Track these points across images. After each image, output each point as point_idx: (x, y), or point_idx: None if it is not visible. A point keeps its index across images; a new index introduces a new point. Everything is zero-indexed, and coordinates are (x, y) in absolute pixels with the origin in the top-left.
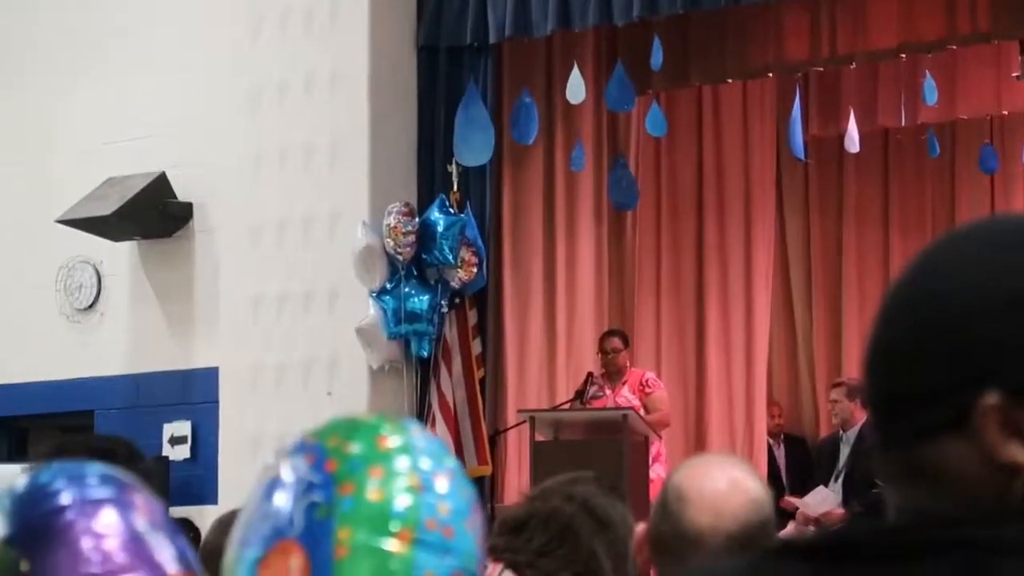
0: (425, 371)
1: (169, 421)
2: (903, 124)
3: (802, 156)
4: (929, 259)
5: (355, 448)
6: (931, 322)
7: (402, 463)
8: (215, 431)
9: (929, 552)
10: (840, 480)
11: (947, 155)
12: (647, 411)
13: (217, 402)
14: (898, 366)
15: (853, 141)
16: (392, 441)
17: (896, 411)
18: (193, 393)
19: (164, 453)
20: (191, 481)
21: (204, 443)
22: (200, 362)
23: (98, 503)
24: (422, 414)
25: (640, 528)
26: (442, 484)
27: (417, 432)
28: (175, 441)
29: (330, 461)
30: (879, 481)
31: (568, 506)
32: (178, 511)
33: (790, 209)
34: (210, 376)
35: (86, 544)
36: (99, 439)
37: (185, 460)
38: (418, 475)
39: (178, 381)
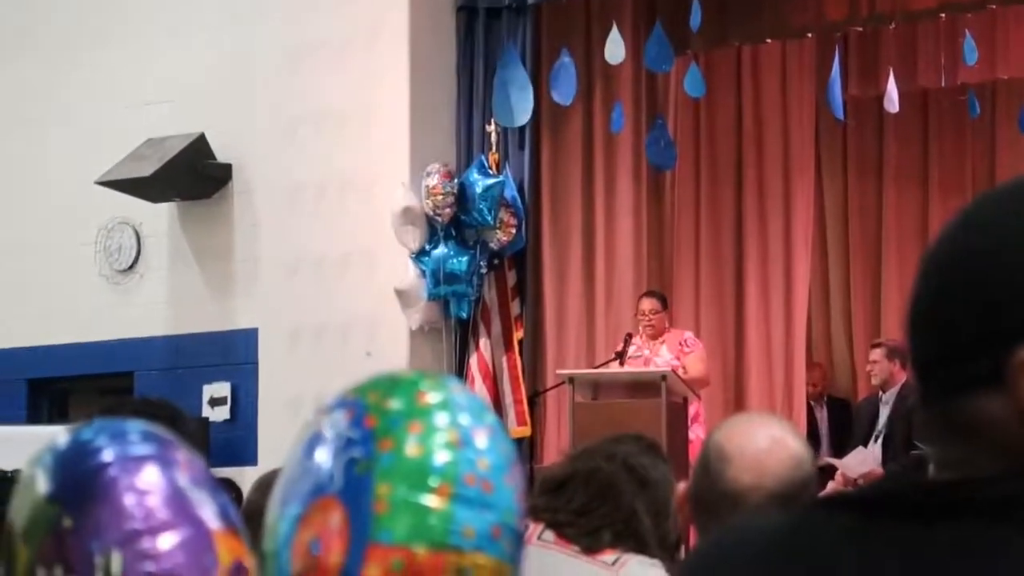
0: (464, 332)
1: (209, 382)
2: (943, 84)
3: (841, 117)
4: (966, 218)
5: (394, 404)
6: (967, 279)
7: (441, 419)
8: (254, 392)
9: (968, 509)
10: (879, 441)
11: (987, 115)
12: (686, 371)
13: (256, 363)
14: (936, 324)
15: (892, 102)
16: (431, 397)
17: (935, 369)
18: (233, 354)
19: (204, 414)
20: (231, 442)
21: (244, 404)
22: (239, 323)
23: (140, 460)
24: (461, 375)
25: (681, 487)
26: (481, 439)
27: (457, 388)
28: (215, 402)
29: (369, 417)
30: (919, 440)
31: (609, 465)
32: (218, 473)
33: (828, 170)
34: (249, 337)
35: (128, 500)
36: (142, 401)
37: (225, 421)
38: (457, 430)
39: (218, 342)
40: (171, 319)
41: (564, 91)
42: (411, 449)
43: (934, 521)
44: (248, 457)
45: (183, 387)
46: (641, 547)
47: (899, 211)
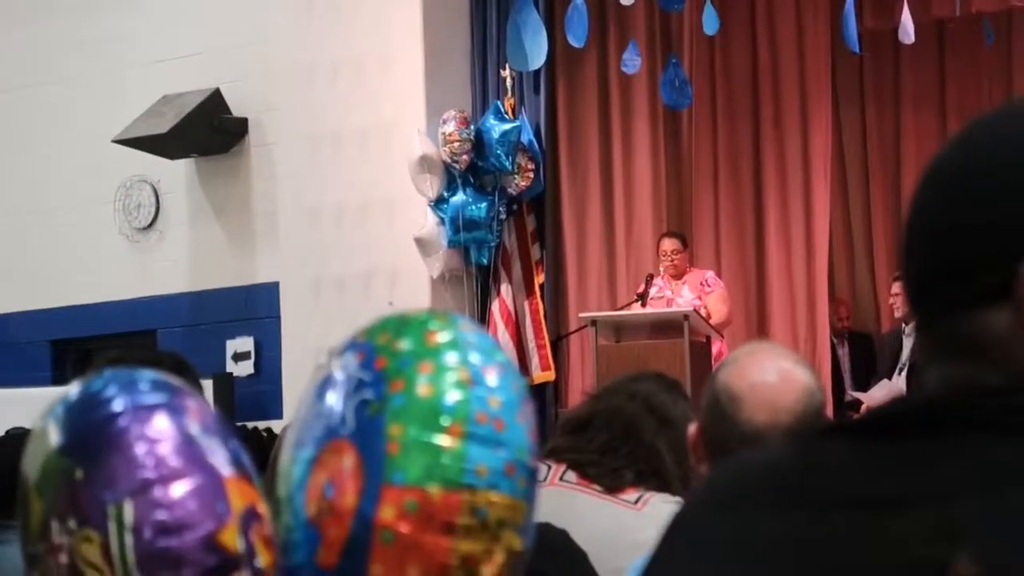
0: (485, 279)
1: (232, 337)
2: (957, 14)
3: (857, 49)
4: (967, 137)
5: (404, 344)
6: (972, 195)
7: (451, 358)
8: (278, 346)
9: (974, 422)
10: (903, 373)
11: (1003, 43)
12: (707, 311)
13: (279, 317)
14: (940, 240)
15: (907, 32)
16: (441, 336)
17: (938, 286)
18: (255, 308)
19: (228, 370)
20: (256, 396)
21: (267, 358)
22: (261, 277)
23: (151, 409)
24: (483, 321)
25: (692, 428)
26: (492, 377)
27: (467, 327)
28: (238, 357)
29: (380, 358)
30: (920, 361)
31: (630, 404)
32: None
33: (845, 103)
34: (271, 291)
35: (140, 450)
36: (147, 352)
37: (249, 376)
38: (468, 369)
39: (239, 297)
40: (192, 275)
41: (578, 33)
42: (422, 389)
43: (939, 436)
44: (274, 411)
45: (206, 343)
46: (663, 485)
47: (918, 140)
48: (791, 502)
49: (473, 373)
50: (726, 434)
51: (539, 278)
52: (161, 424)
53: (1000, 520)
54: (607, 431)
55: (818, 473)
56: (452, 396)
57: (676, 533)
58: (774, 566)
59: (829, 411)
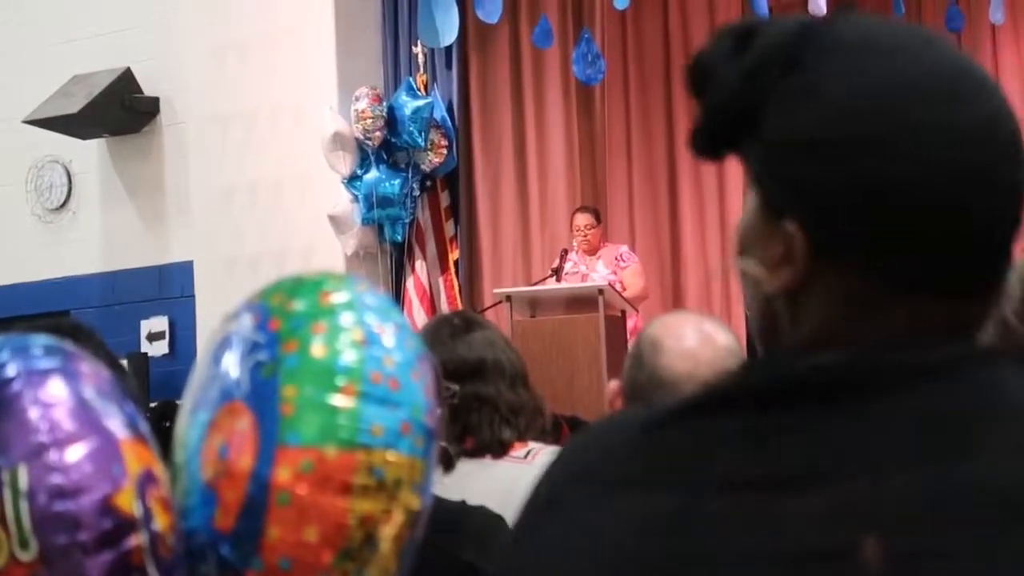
0: (400, 255)
1: (146, 317)
2: None
3: None
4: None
5: (298, 305)
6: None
7: (346, 318)
8: (192, 325)
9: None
10: None
11: (913, 14)
12: (623, 286)
13: (193, 296)
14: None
15: (819, 5)
16: (336, 297)
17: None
18: (169, 288)
19: (143, 350)
20: (171, 376)
21: (182, 337)
22: (175, 256)
23: (44, 373)
24: (398, 298)
25: (613, 384)
26: (388, 337)
27: (363, 287)
28: (153, 337)
29: (274, 320)
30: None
31: (458, 387)
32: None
33: None
34: (185, 270)
35: (34, 414)
36: (44, 321)
37: (164, 356)
38: (363, 329)
39: (153, 277)
40: (105, 255)
41: (489, 9)
42: (316, 350)
43: (822, 406)
44: None
45: (120, 323)
46: (541, 434)
47: None
48: (663, 481)
49: (368, 333)
50: (645, 382)
51: (453, 254)
52: (55, 388)
53: (904, 499)
54: (457, 417)
55: (690, 450)
56: (347, 356)
57: (537, 510)
58: (643, 555)
59: None
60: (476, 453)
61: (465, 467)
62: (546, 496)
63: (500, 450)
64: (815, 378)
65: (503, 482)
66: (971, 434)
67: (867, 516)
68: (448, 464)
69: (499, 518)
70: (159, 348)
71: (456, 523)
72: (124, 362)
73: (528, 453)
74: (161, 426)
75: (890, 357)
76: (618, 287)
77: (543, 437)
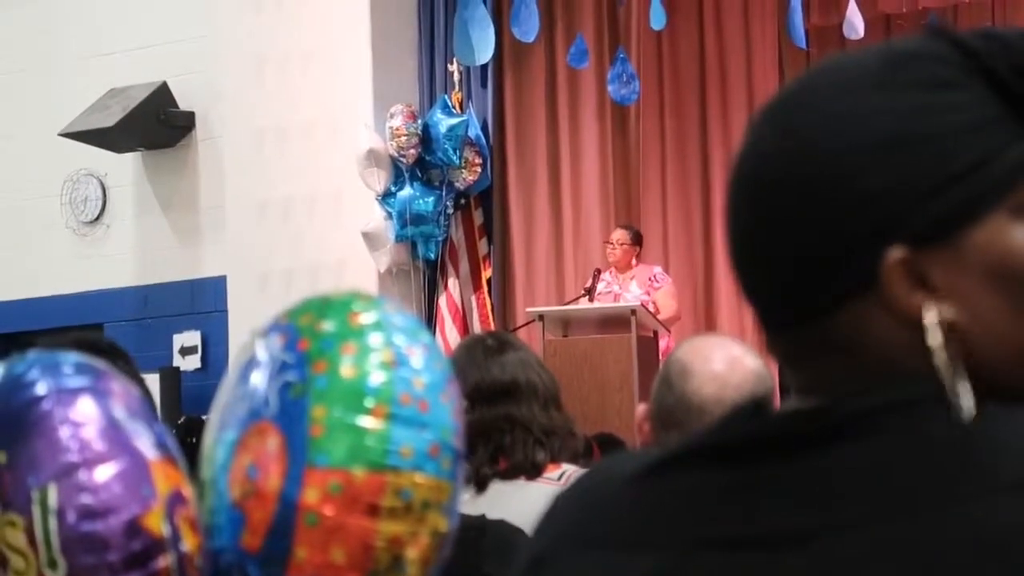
0: (433, 273)
1: (179, 332)
2: (904, 10)
3: (804, 45)
4: (777, 120)
5: (327, 326)
6: (808, 185)
7: (375, 339)
8: (225, 340)
9: (848, 429)
10: None
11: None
12: (656, 307)
13: (226, 311)
14: (784, 248)
15: (854, 28)
16: (365, 317)
17: (789, 296)
18: (202, 302)
19: (175, 364)
20: (203, 391)
21: (214, 352)
22: (208, 271)
23: (75, 392)
24: (431, 316)
25: (641, 408)
26: (416, 359)
27: (391, 308)
28: (185, 351)
29: (303, 340)
30: (785, 368)
31: (486, 411)
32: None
33: None
34: (218, 285)
35: (64, 433)
36: (78, 336)
37: (196, 370)
38: (392, 350)
39: (186, 291)
40: (139, 269)
41: (526, 28)
42: (345, 370)
43: (800, 452)
44: None
45: (153, 337)
46: (574, 456)
47: None
48: (648, 541)
49: (397, 354)
50: (672, 404)
51: (486, 272)
52: (85, 407)
53: (910, 551)
54: (490, 442)
55: (686, 506)
56: (376, 377)
57: (528, 570)
58: None
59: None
60: (509, 475)
61: (498, 488)
62: (536, 554)
63: (534, 472)
64: (779, 430)
65: (538, 504)
66: (947, 480)
67: (870, 571)
68: (482, 485)
69: (519, 531)
70: (191, 363)
71: (476, 537)
72: (156, 376)
73: (562, 476)
74: (187, 442)
75: (855, 403)
76: (651, 308)
77: (576, 460)
